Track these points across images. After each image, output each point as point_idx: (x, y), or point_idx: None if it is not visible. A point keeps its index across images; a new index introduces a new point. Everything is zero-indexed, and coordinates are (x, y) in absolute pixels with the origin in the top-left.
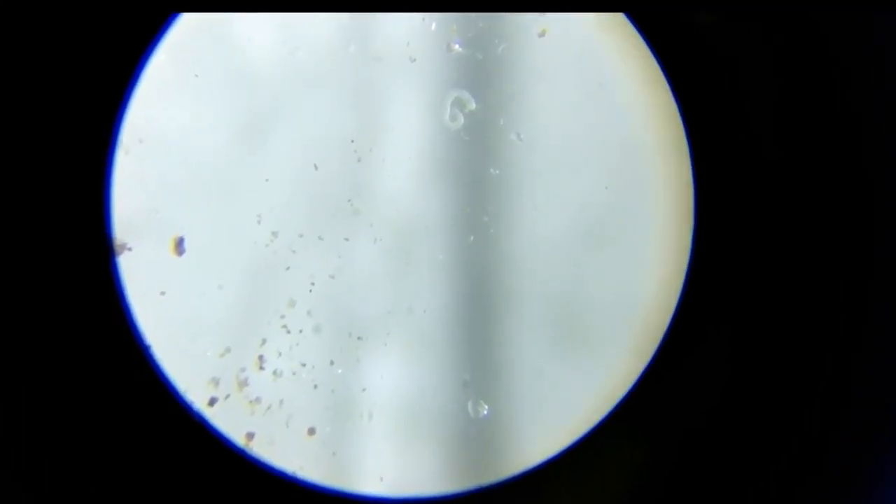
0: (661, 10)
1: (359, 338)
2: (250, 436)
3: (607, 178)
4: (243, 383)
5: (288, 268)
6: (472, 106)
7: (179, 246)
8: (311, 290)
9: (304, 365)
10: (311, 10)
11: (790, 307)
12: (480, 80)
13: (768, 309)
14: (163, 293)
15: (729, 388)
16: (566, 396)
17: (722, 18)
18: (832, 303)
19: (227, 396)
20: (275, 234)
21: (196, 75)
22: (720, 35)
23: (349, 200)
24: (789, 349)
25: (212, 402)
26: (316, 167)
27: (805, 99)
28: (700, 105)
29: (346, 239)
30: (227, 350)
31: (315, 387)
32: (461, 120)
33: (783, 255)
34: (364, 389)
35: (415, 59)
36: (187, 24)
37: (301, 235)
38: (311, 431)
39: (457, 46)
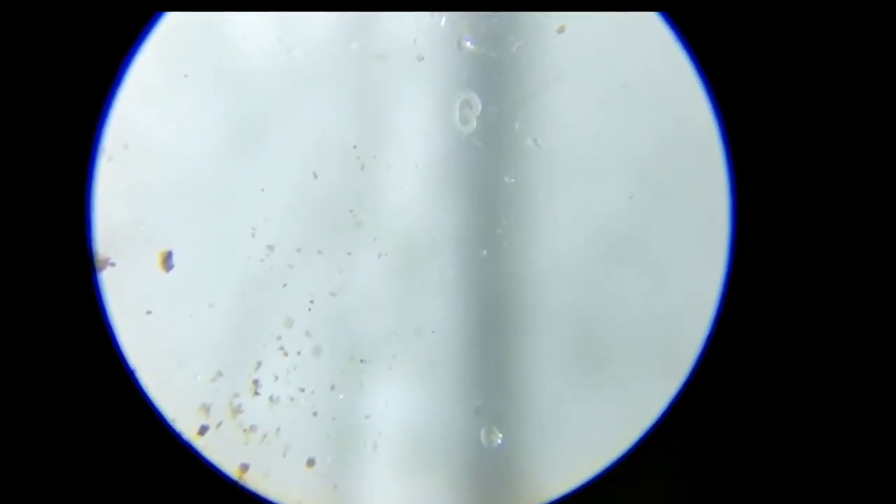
0: (699, 10)
1: (362, 361)
2: (244, 467)
3: (632, 186)
4: (237, 410)
5: (285, 285)
6: (479, 110)
7: (167, 261)
8: (309, 309)
9: (302, 390)
10: (308, 10)
11: (840, 327)
12: (494, 80)
13: (816, 329)
14: (149, 312)
15: (770, 418)
16: (588, 425)
17: (760, 11)
18: (891, 320)
19: (220, 424)
20: (270, 248)
21: (185, 75)
22: (759, 29)
23: (351, 211)
24: (841, 374)
25: (202, 430)
26: (315, 175)
27: (855, 99)
28: (736, 106)
29: (349, 253)
30: (219, 374)
31: (314, 414)
32: (473, 124)
33: (831, 268)
34: (367, 417)
35: (422, 58)
36: (176, 20)
37: (299, 250)
38: (311, 462)
39: (468, 44)
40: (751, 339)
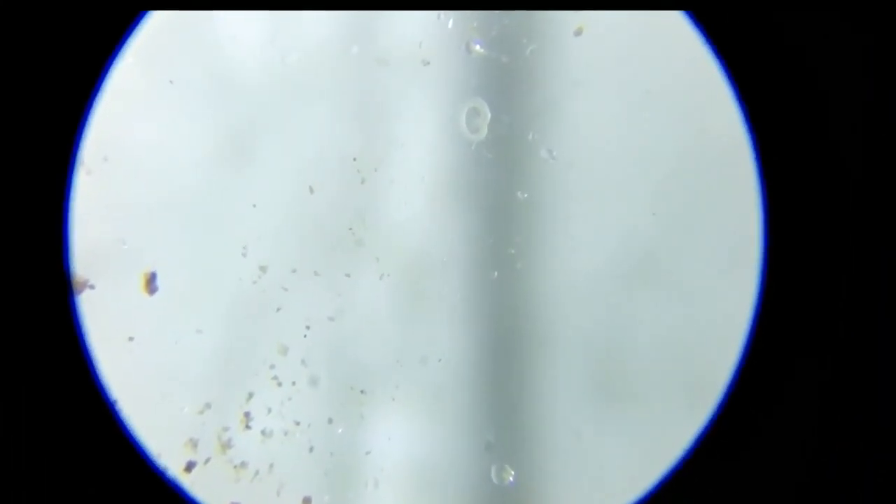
0: (728, 9)
1: (362, 391)
2: None
3: (656, 202)
4: (226, 445)
5: (279, 309)
6: (488, 117)
7: (151, 283)
8: (305, 336)
9: (297, 423)
10: (305, 9)
11: (881, 358)
12: (506, 87)
13: (857, 357)
14: (131, 339)
15: (806, 455)
16: (608, 463)
17: (794, 11)
18: None
19: (208, 460)
20: (263, 268)
21: (170, 82)
22: (793, 30)
23: (351, 229)
24: (885, 405)
25: (189, 467)
26: (312, 190)
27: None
28: (769, 114)
29: (348, 275)
30: (208, 406)
31: (311, 449)
32: (484, 131)
33: (872, 289)
34: (368, 452)
35: (428, 63)
36: (160, 21)
37: (294, 271)
38: (307, 501)
39: (478, 47)
40: (785, 369)
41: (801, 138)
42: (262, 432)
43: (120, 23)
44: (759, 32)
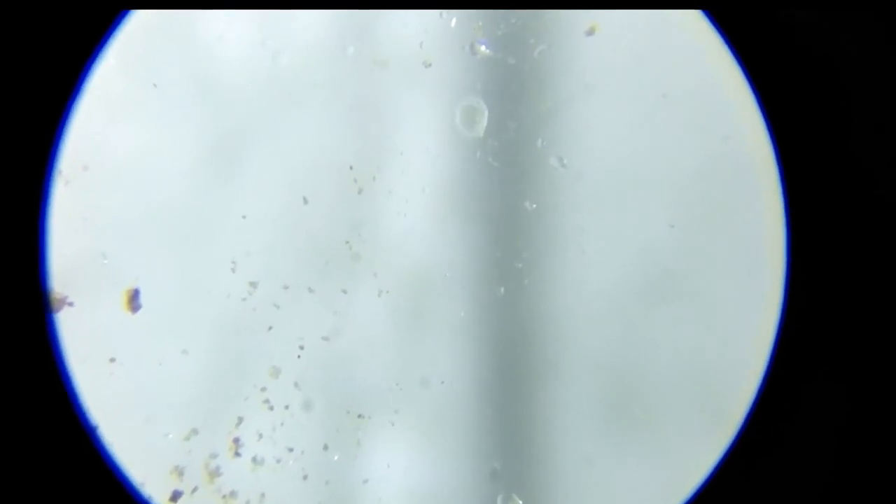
0: (749, 8)
1: (359, 416)
2: None
3: (674, 214)
4: (214, 473)
5: (270, 328)
6: (484, 122)
7: (134, 300)
8: (299, 356)
9: (291, 450)
10: (297, 8)
11: None
12: (513, 90)
13: (884, 381)
14: (112, 360)
15: (828, 484)
16: (622, 492)
17: (821, 12)
18: None
19: (195, 490)
20: (253, 285)
21: (154, 85)
22: (819, 31)
23: (347, 242)
24: None
25: (175, 497)
26: (305, 201)
27: None
28: (793, 120)
29: (344, 291)
30: (194, 432)
31: (305, 477)
32: (480, 129)
33: None
34: (366, 481)
35: (430, 64)
36: (143, 20)
37: (286, 287)
38: None
39: (483, 48)
40: (812, 393)
41: (827, 146)
42: (253, 460)
43: (100, 22)
44: (783, 33)
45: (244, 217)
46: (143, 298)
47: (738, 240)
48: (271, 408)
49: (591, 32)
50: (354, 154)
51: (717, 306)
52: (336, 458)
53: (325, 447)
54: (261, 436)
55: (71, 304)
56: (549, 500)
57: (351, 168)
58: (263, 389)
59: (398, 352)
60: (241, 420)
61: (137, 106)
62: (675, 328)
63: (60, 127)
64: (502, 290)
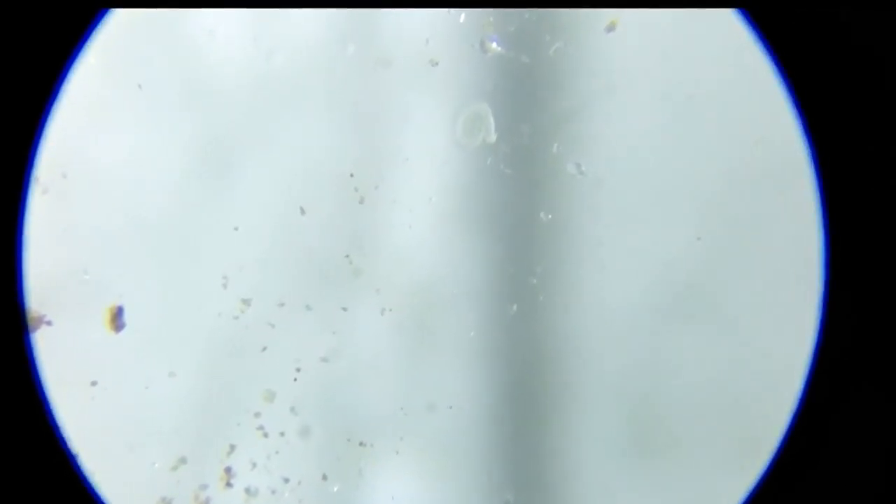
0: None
1: (361, 443)
2: None
3: (701, 225)
4: None
5: (265, 348)
6: (492, 134)
7: (117, 319)
8: (295, 379)
9: (286, 480)
10: (293, 6)
11: None
12: (526, 91)
13: None
14: (94, 383)
15: None
16: None
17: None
18: None
19: None
20: (246, 302)
21: (138, 86)
22: (858, 30)
23: (347, 256)
24: None
25: None
26: (302, 211)
27: None
28: (830, 124)
29: (344, 309)
30: (183, 461)
31: None
32: (481, 136)
33: None
34: None
35: (436, 63)
36: (126, 17)
37: (282, 304)
38: None
39: (494, 45)
40: (849, 419)
41: (867, 151)
42: (246, 490)
43: (80, 21)
44: (821, 31)
45: (236, 229)
46: (127, 316)
47: (770, 253)
48: (266, 435)
49: (611, 28)
50: (355, 161)
51: (747, 325)
52: (336, 489)
53: (324, 477)
54: (254, 465)
55: (49, 323)
56: None
57: (352, 176)
58: (257, 415)
59: (403, 374)
60: (233, 448)
61: (120, 109)
62: (702, 348)
63: (37, 132)
64: (515, 307)
